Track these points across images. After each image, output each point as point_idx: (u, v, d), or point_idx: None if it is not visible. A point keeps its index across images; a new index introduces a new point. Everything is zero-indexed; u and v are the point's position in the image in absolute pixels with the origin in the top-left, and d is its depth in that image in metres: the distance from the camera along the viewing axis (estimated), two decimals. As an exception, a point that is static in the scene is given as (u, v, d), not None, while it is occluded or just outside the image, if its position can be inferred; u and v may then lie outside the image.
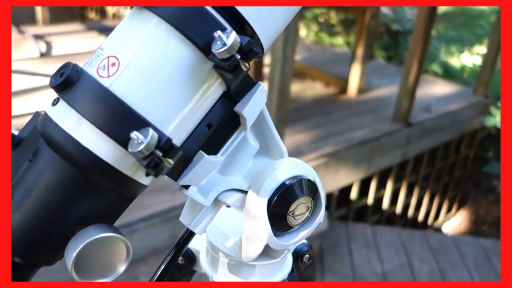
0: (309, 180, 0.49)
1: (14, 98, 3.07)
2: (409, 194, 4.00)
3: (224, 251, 0.53)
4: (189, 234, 0.49)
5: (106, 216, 0.40)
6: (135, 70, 0.38)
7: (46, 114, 0.39)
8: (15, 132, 0.41)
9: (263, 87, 0.45)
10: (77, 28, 5.05)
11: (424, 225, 4.37)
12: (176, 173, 0.43)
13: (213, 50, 0.37)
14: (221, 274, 0.55)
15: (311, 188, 0.49)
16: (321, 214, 0.51)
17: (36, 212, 0.37)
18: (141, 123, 0.36)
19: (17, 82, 3.32)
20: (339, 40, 6.96)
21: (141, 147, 0.34)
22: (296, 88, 3.91)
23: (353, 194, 3.38)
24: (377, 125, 3.44)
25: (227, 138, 0.46)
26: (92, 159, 0.36)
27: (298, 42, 4.85)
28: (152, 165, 0.35)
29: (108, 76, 0.37)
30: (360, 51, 3.89)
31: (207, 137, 0.44)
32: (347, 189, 3.31)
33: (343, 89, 4.05)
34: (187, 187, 0.46)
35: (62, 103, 0.38)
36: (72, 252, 0.36)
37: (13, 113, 2.69)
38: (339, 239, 2.85)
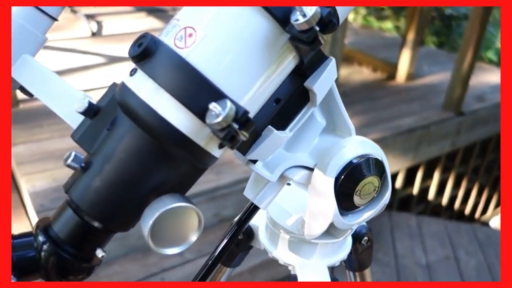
0: (376, 159, 0.48)
1: (66, 76, 3.18)
2: (456, 186, 3.87)
3: (285, 227, 0.53)
4: (253, 209, 0.49)
5: (178, 187, 0.41)
6: (212, 41, 0.38)
7: (124, 84, 0.39)
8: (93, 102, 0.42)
9: (334, 62, 0.44)
10: (127, 8, 5.14)
11: (471, 218, 4.23)
12: (246, 147, 0.43)
13: (291, 21, 0.36)
14: (281, 250, 0.55)
15: (379, 168, 0.48)
16: (387, 195, 0.49)
17: (115, 178, 0.38)
18: (218, 95, 0.36)
19: (69, 60, 3.44)
20: (388, 24, 6.74)
21: (219, 118, 0.34)
22: (343, 72, 3.83)
23: (398, 182, 3.31)
24: (427, 113, 3.33)
25: (296, 113, 0.45)
26: (168, 129, 0.37)
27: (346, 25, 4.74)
28: (229, 137, 0.35)
29: (186, 47, 0.38)
30: (411, 36, 3.75)
31: (276, 112, 0.44)
32: (392, 177, 3.22)
33: (392, 75, 3.93)
34: (254, 161, 0.46)
35: (140, 73, 0.38)
36: (149, 219, 0.37)
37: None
38: (383, 228, 2.80)
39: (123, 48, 3.70)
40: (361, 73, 4.07)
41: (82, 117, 0.41)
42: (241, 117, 0.35)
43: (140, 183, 0.39)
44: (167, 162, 0.39)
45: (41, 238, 0.40)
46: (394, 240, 2.73)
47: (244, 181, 2.29)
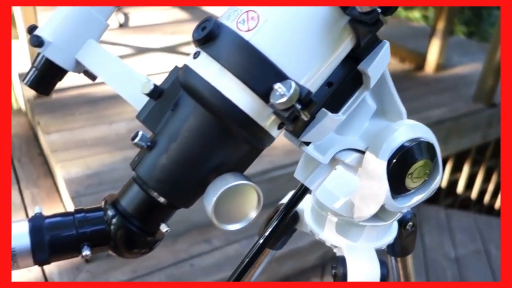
0: (428, 143, 0.48)
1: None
2: (486, 180, 3.79)
3: (334, 210, 0.54)
4: (303, 191, 0.50)
5: (237, 166, 0.42)
6: (274, 24, 0.39)
7: (187, 66, 0.41)
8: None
9: (388, 45, 0.45)
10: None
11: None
12: (300, 130, 0.44)
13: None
14: (328, 233, 0.56)
15: (430, 152, 0.48)
16: (438, 179, 0.50)
17: (180, 156, 0.40)
18: (281, 76, 0.37)
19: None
20: (416, 14, 6.61)
21: (284, 99, 0.35)
22: (370, 63, 3.77)
23: (426, 175, 3.26)
24: (457, 104, 3.26)
25: (349, 97, 0.46)
26: (231, 109, 0.38)
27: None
28: (292, 117, 0.36)
29: (248, 30, 0.39)
30: (440, 25, 3.67)
31: (328, 95, 0.45)
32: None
33: (420, 65, 3.87)
34: (307, 144, 0.47)
35: (203, 56, 0.39)
36: (213, 196, 0.39)
37: (96, 81, 2.86)
38: (410, 220, 2.77)
39: (150, 39, 3.75)
40: (389, 64, 4.01)
41: (145, 99, 0.43)
42: (304, 97, 0.36)
43: (203, 162, 0.40)
44: (228, 142, 0.40)
45: (110, 212, 0.42)
46: (423, 233, 2.71)
47: (271, 171, 2.31)
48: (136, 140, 0.40)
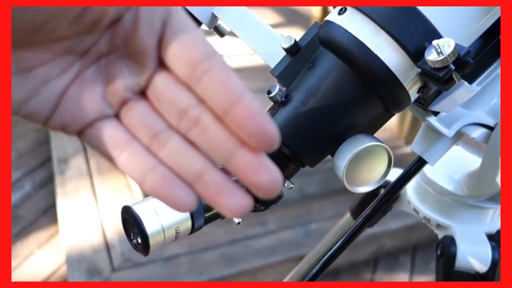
0: None
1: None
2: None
3: (446, 188, 0.53)
4: (419, 165, 0.49)
5: (368, 128, 0.42)
6: None
7: (331, 22, 0.40)
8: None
9: None
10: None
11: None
12: (431, 98, 0.43)
13: None
14: (434, 212, 0.55)
15: None
16: None
17: (318, 110, 0.40)
18: (436, 34, 0.36)
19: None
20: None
21: (441, 57, 0.34)
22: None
23: None
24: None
25: (485, 68, 0.44)
26: (378, 66, 0.37)
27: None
28: (447, 78, 0.35)
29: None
30: None
31: None
32: None
33: None
34: (435, 114, 0.45)
35: (350, 11, 0.39)
36: (347, 154, 0.38)
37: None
38: None
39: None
40: None
41: (279, 56, 0.43)
42: (463, 56, 0.34)
43: (340, 118, 0.40)
44: (367, 101, 0.40)
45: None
46: None
47: (329, 161, 2.28)
48: (273, 93, 0.40)
